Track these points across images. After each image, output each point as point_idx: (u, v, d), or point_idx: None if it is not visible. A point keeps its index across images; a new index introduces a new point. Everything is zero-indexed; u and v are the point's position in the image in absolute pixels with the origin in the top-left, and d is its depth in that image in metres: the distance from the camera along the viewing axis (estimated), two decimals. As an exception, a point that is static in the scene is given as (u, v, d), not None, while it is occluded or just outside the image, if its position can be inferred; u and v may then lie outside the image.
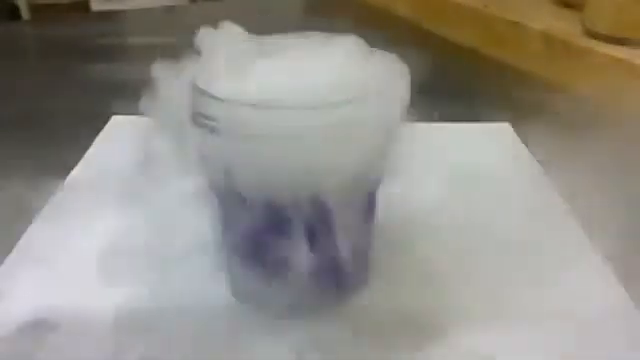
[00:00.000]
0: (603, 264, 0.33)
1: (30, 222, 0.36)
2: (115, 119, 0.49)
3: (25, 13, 1.60)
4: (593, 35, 0.59)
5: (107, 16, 0.98)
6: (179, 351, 0.27)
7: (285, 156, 0.24)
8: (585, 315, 0.29)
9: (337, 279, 0.29)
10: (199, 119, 0.25)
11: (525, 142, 0.47)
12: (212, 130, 0.24)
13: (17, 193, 0.40)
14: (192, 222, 0.34)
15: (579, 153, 0.47)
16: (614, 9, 0.57)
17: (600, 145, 0.49)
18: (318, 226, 0.26)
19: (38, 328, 0.28)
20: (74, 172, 0.41)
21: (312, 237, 0.27)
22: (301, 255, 0.27)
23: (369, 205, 0.29)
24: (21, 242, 0.34)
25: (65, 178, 0.41)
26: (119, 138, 0.47)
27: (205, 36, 0.28)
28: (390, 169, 0.28)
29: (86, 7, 1.60)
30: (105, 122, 0.49)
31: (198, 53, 0.27)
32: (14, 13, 1.58)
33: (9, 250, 0.33)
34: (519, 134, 0.48)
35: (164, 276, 0.32)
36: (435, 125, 0.48)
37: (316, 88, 0.24)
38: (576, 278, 0.32)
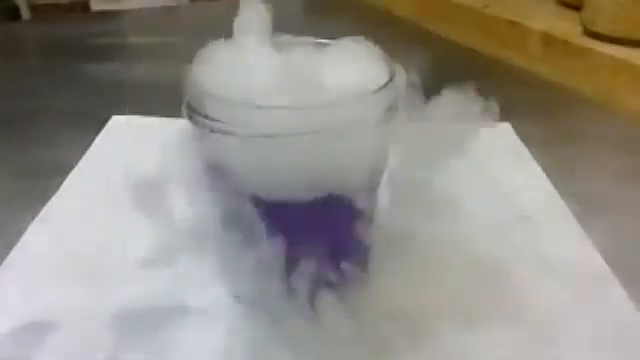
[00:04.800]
0: (603, 264, 0.33)
1: (30, 222, 0.36)
2: (115, 119, 0.49)
3: (25, 13, 1.60)
4: (593, 35, 0.59)
5: (107, 16, 0.98)
6: (179, 351, 0.27)
7: (285, 156, 0.24)
8: (585, 315, 0.29)
9: (337, 278, 0.29)
10: (199, 118, 0.25)
11: (525, 142, 0.47)
12: (212, 130, 0.24)
13: (17, 192, 0.40)
14: (192, 222, 0.34)
15: (579, 153, 0.47)
16: (614, 9, 0.57)
17: (600, 145, 0.49)
18: (318, 225, 0.27)
19: (38, 328, 0.28)
20: (74, 172, 0.41)
21: (312, 236, 0.27)
22: (301, 254, 0.27)
23: (369, 204, 0.29)
24: (21, 242, 0.34)
25: (65, 178, 0.41)
26: (119, 138, 0.47)
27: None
28: (389, 168, 0.28)
29: (86, 7, 1.60)
30: (105, 122, 0.49)
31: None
32: (14, 13, 1.58)
33: (9, 250, 0.33)
34: (519, 134, 0.48)
35: (164, 276, 0.32)
36: (435, 125, 0.48)
37: (316, 88, 0.24)
38: (576, 278, 0.32)
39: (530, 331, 0.29)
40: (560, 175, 0.42)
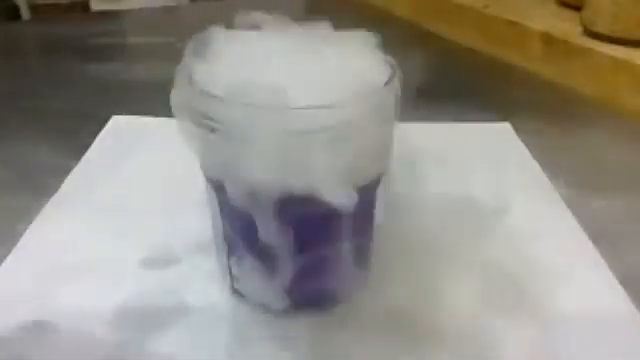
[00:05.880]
0: (603, 264, 0.33)
1: (30, 222, 0.36)
2: (115, 119, 0.49)
3: (25, 13, 1.61)
4: (593, 35, 0.59)
5: (107, 16, 0.98)
6: (179, 351, 0.27)
7: (285, 156, 0.24)
8: (585, 315, 0.30)
9: (337, 279, 0.29)
10: (199, 119, 0.25)
11: (525, 142, 0.47)
12: (212, 130, 0.24)
13: (16, 192, 0.40)
14: (192, 222, 0.34)
15: (579, 153, 0.47)
16: (614, 9, 0.57)
17: (600, 145, 0.49)
18: (318, 226, 0.26)
19: (38, 328, 0.28)
20: (74, 172, 0.41)
21: (312, 237, 0.27)
22: (301, 255, 0.27)
23: (369, 205, 0.29)
24: (21, 242, 0.34)
25: (65, 178, 0.41)
26: (119, 138, 0.47)
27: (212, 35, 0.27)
28: (390, 169, 0.28)
29: (86, 7, 1.60)
30: (105, 122, 0.49)
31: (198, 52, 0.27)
32: (14, 13, 1.58)
33: (9, 250, 0.33)
34: (519, 134, 0.48)
35: (164, 276, 0.32)
36: (435, 125, 0.48)
37: (315, 88, 0.24)
38: (576, 278, 0.32)
39: (530, 331, 0.29)
40: (560, 175, 0.42)
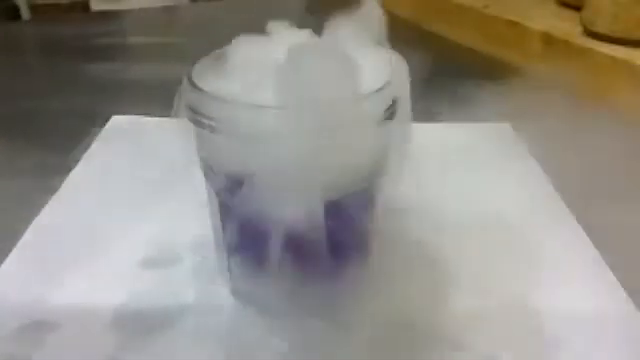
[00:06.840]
0: (603, 264, 0.33)
1: (30, 222, 0.36)
2: (115, 119, 0.49)
3: (25, 13, 1.61)
4: (593, 35, 0.59)
5: (107, 16, 0.98)
6: (179, 351, 0.27)
7: (285, 156, 0.24)
8: (585, 315, 0.30)
9: (337, 279, 0.29)
10: (198, 118, 0.25)
11: (525, 142, 0.47)
12: (212, 130, 0.24)
13: (17, 193, 0.40)
14: (192, 222, 0.34)
15: (579, 153, 0.47)
16: (614, 9, 0.57)
17: (600, 145, 0.49)
18: (318, 226, 0.26)
19: (38, 328, 0.28)
20: (74, 172, 0.41)
21: (312, 237, 0.27)
22: (301, 255, 0.27)
23: (369, 205, 0.29)
24: (21, 242, 0.34)
25: (65, 178, 0.41)
26: (119, 138, 0.47)
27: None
28: (390, 169, 0.28)
29: (86, 7, 1.60)
30: (105, 122, 0.49)
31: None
32: (14, 13, 1.58)
33: (9, 250, 0.33)
34: (519, 134, 0.48)
35: (164, 276, 0.32)
36: (435, 125, 0.48)
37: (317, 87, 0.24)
38: (576, 278, 0.32)
39: (530, 331, 0.29)
40: (560, 175, 0.42)
